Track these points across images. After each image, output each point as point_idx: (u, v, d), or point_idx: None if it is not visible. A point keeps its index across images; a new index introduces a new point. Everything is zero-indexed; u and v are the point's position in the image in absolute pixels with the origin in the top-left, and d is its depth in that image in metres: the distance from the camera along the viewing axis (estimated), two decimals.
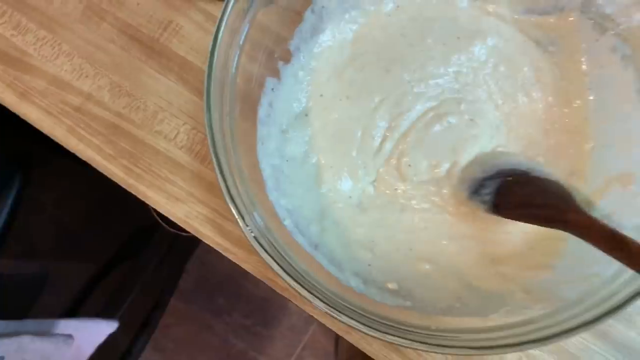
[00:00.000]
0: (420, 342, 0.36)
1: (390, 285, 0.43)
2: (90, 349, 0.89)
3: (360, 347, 0.48)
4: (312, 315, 0.48)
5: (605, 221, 0.40)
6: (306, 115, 0.48)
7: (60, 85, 0.52)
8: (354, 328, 0.36)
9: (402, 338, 0.36)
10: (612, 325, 0.48)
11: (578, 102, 0.47)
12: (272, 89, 0.46)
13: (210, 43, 0.39)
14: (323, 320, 0.48)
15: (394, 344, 0.36)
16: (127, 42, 0.52)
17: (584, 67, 0.47)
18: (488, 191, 0.44)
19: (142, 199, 0.50)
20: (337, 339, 1.35)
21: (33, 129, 0.52)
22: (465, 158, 0.47)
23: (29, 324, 0.78)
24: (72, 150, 0.51)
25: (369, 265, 0.44)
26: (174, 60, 0.52)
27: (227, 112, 0.41)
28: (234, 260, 0.49)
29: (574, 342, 0.47)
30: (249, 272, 0.49)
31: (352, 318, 0.36)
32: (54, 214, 0.96)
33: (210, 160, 0.50)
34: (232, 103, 0.41)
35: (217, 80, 0.39)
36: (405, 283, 0.43)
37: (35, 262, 0.94)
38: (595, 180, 0.45)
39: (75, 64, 0.52)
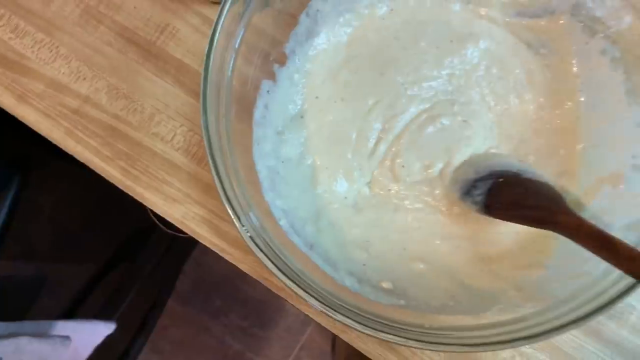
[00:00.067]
0: (414, 340, 0.36)
1: (385, 285, 0.43)
2: (87, 351, 0.89)
3: (355, 345, 0.49)
4: (308, 316, 0.48)
5: (596, 220, 0.41)
6: (302, 117, 0.49)
7: (58, 88, 0.52)
8: (349, 327, 0.37)
9: (397, 336, 0.36)
10: (604, 323, 0.48)
11: (569, 103, 0.48)
12: (268, 91, 0.47)
13: (207, 46, 0.40)
14: (319, 319, 0.48)
15: (388, 342, 0.37)
16: (124, 45, 0.53)
17: (574, 69, 0.48)
18: (480, 192, 0.45)
19: (140, 201, 0.51)
20: (334, 339, 1.35)
21: (31, 131, 0.52)
22: (458, 159, 0.48)
23: (27, 325, 0.78)
24: (70, 152, 0.51)
25: (364, 265, 0.45)
26: (171, 63, 0.52)
27: (223, 114, 0.41)
28: (230, 261, 0.50)
29: (567, 340, 0.48)
30: (245, 274, 0.49)
31: (347, 317, 0.37)
32: (51, 215, 0.96)
33: (206, 161, 0.50)
34: (228, 105, 0.42)
35: (213, 82, 0.40)
36: (399, 282, 0.44)
37: (33, 264, 0.95)
38: (586, 180, 0.46)
39: (72, 66, 0.52)
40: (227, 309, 1.39)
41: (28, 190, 0.85)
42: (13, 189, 0.80)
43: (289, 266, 0.38)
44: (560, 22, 0.48)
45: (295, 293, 0.37)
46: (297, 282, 0.37)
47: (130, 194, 0.51)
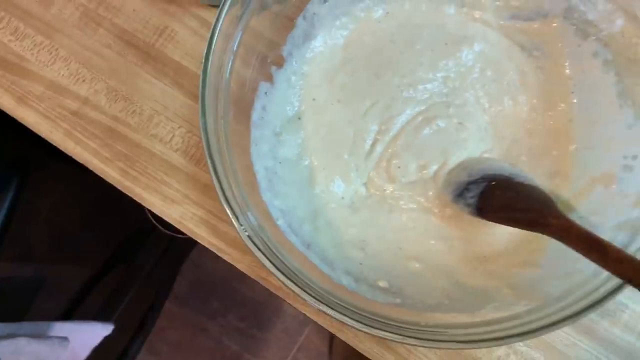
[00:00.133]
0: (411, 337, 0.37)
1: (381, 283, 0.44)
2: (85, 352, 0.89)
3: (352, 344, 0.49)
4: (306, 317, 0.49)
5: (588, 220, 0.42)
6: (299, 118, 0.49)
7: (57, 90, 0.53)
8: (346, 324, 0.37)
9: (393, 333, 0.37)
10: (597, 321, 0.49)
11: (562, 105, 0.49)
12: (266, 93, 0.47)
13: (205, 48, 0.40)
14: (316, 318, 0.49)
15: (385, 339, 0.37)
16: (124, 47, 0.53)
17: (567, 71, 0.49)
18: (472, 194, 0.45)
19: (138, 201, 0.51)
20: (331, 341, 1.36)
21: (30, 133, 0.52)
22: (453, 161, 0.49)
23: (25, 326, 0.78)
24: (69, 154, 0.52)
25: (361, 264, 0.45)
26: (169, 65, 0.53)
27: (222, 116, 0.42)
28: (228, 261, 0.50)
29: (561, 338, 0.49)
30: (243, 275, 0.50)
31: (344, 314, 0.37)
32: (50, 217, 0.97)
33: (205, 162, 0.51)
34: (226, 107, 0.42)
35: (211, 84, 0.41)
36: (395, 281, 0.44)
37: (31, 265, 0.95)
38: (579, 180, 0.46)
39: (72, 69, 0.53)
40: (224, 310, 1.40)
41: (26, 191, 0.85)
42: (12, 190, 0.81)
43: (286, 265, 0.39)
44: (553, 25, 0.49)
45: (293, 291, 0.38)
46: (295, 281, 0.38)
47: (129, 194, 0.51)
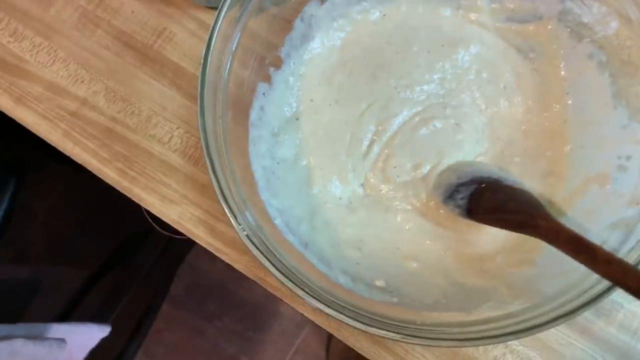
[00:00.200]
0: (408, 336, 0.37)
1: (379, 283, 0.44)
2: (82, 354, 0.89)
3: (349, 344, 0.49)
4: (302, 318, 0.49)
5: (584, 218, 0.43)
6: (297, 119, 0.50)
7: (56, 91, 0.53)
8: (344, 322, 0.38)
9: (390, 332, 0.37)
10: (592, 321, 0.49)
11: (557, 106, 0.49)
12: (264, 94, 0.48)
13: (204, 49, 0.41)
14: (313, 317, 0.49)
15: (382, 338, 0.38)
16: (122, 48, 0.54)
17: (562, 72, 0.49)
18: (462, 196, 0.46)
19: (137, 201, 0.51)
20: (328, 343, 1.36)
21: (28, 135, 0.53)
22: (448, 162, 0.49)
23: (22, 327, 0.78)
24: (68, 154, 0.52)
25: (358, 263, 0.46)
26: (168, 66, 0.53)
27: (220, 116, 0.42)
28: (226, 261, 0.50)
29: (556, 337, 0.49)
30: (240, 278, 0.50)
31: (341, 313, 0.38)
32: (46, 218, 0.97)
33: (203, 162, 0.51)
34: (225, 107, 0.43)
35: (210, 85, 0.41)
36: (393, 280, 0.45)
37: (29, 266, 0.95)
38: (574, 180, 0.47)
39: (70, 69, 0.53)
40: (221, 313, 1.40)
41: (23, 193, 0.85)
42: (9, 191, 0.81)
43: (284, 264, 0.39)
44: (549, 27, 0.49)
45: (291, 290, 0.38)
46: (293, 280, 0.38)
47: (127, 195, 0.51)
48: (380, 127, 0.50)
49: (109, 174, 0.51)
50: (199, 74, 0.41)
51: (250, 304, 1.39)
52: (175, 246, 1.26)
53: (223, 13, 0.41)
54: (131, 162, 0.52)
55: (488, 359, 0.49)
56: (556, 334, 0.49)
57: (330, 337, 1.30)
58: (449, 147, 0.50)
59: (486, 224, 0.45)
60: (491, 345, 0.49)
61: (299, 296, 0.38)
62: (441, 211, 0.48)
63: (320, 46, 0.51)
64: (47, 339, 0.79)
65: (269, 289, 0.49)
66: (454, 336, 0.38)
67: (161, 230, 1.19)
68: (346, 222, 0.48)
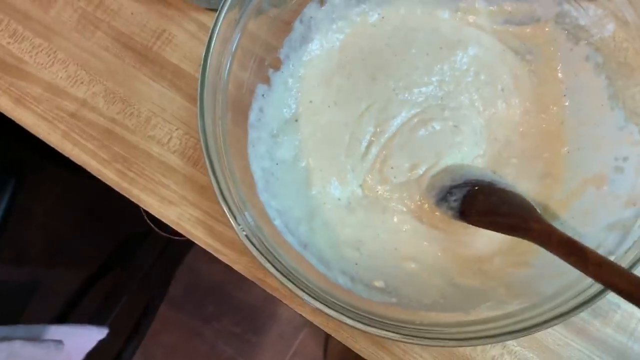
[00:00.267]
0: (406, 335, 0.37)
1: (377, 283, 0.44)
2: (80, 356, 0.89)
3: (348, 344, 0.50)
4: (301, 319, 0.49)
5: (581, 220, 0.43)
6: (296, 120, 0.50)
7: (55, 92, 0.53)
8: (343, 323, 0.38)
9: (389, 332, 0.37)
10: (589, 321, 0.49)
11: (554, 107, 0.50)
12: (263, 95, 0.48)
13: (203, 51, 0.41)
14: (312, 318, 0.49)
15: (380, 338, 0.38)
16: (121, 50, 0.54)
17: (559, 74, 0.50)
18: (455, 198, 0.46)
19: (136, 202, 0.52)
20: (326, 345, 1.36)
21: (26, 136, 0.53)
22: (445, 163, 0.49)
23: (20, 329, 0.78)
24: (67, 155, 0.52)
25: (356, 264, 0.46)
26: (167, 67, 0.53)
27: (219, 117, 0.42)
28: (225, 262, 0.50)
29: (554, 338, 0.49)
30: (238, 280, 0.50)
31: (340, 313, 0.38)
32: (45, 220, 0.97)
33: (202, 163, 0.51)
34: (224, 108, 0.43)
35: (210, 86, 0.41)
36: (391, 281, 0.45)
37: (27, 268, 0.95)
38: (571, 181, 0.47)
39: (70, 71, 0.53)
40: (219, 315, 1.40)
41: (22, 194, 0.85)
42: (8, 192, 0.81)
43: (283, 265, 0.39)
44: (546, 29, 0.50)
45: (290, 290, 0.38)
46: (292, 280, 0.38)
47: (126, 196, 0.52)
48: (379, 129, 0.50)
49: (108, 175, 0.52)
50: (198, 75, 0.41)
51: (249, 306, 1.39)
52: (173, 248, 1.26)
53: (223, 15, 0.41)
54: (130, 163, 0.52)
55: (485, 359, 0.49)
56: (553, 335, 0.49)
57: (327, 338, 1.30)
58: (447, 148, 0.50)
59: (479, 226, 0.45)
60: (489, 346, 0.49)
61: (298, 296, 0.38)
62: (437, 213, 0.48)
63: (319, 48, 0.51)
64: (45, 340, 0.79)
65: (268, 290, 0.50)
66: (453, 336, 0.38)
67: (159, 232, 1.19)
68: (345, 223, 0.48)
